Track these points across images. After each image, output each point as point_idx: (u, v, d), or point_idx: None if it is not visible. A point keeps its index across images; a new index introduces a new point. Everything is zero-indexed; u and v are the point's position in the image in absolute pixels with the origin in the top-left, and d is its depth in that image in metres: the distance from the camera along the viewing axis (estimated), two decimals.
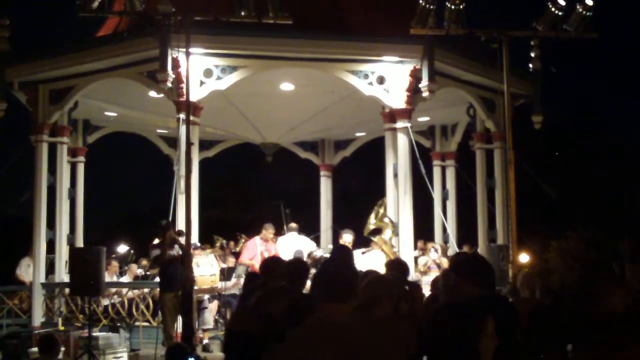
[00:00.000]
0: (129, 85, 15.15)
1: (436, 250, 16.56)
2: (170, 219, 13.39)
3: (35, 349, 11.53)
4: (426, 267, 15.54)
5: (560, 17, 12.63)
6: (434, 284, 7.81)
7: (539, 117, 15.88)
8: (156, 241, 13.15)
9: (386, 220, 14.15)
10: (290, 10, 12.12)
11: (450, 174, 19.47)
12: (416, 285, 6.88)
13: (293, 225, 15.80)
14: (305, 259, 14.57)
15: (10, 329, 15.53)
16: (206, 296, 14.21)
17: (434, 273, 14.82)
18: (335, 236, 19.56)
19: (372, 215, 14.23)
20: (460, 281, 5.31)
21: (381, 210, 14.21)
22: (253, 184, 35.10)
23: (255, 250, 14.60)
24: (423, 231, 18.44)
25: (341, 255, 8.15)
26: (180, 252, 12.31)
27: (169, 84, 13.68)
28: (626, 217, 25.27)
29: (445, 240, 17.92)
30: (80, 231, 17.79)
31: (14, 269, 17.46)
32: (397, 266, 7.87)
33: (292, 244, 15.04)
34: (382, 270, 8.47)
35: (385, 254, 13.92)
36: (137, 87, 14.99)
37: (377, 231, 14.25)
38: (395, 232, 14.49)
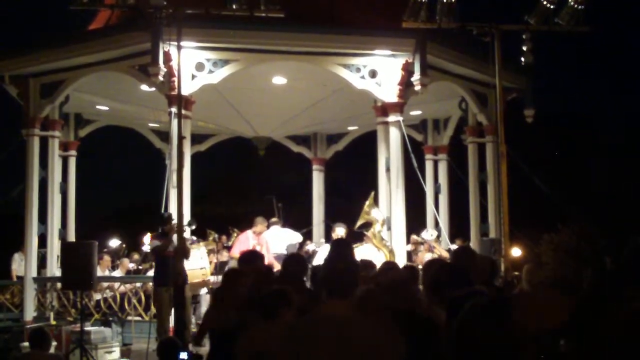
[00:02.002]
0: (121, 79, 15.10)
1: (432, 235, 16.53)
2: (162, 213, 13.36)
3: (26, 344, 11.51)
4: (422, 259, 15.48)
5: (552, 10, 12.63)
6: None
7: (531, 111, 15.89)
8: (151, 234, 13.13)
9: (374, 214, 14.15)
10: (282, 3, 12.08)
11: (443, 168, 19.50)
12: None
13: (273, 219, 15.90)
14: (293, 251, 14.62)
15: (2, 324, 15.50)
16: (203, 291, 14.22)
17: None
18: (328, 230, 19.59)
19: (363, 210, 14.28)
20: (439, 287, 5.33)
21: (366, 206, 14.22)
22: (245, 177, 35.00)
23: (248, 244, 14.58)
24: (415, 225, 18.44)
25: (342, 250, 8.16)
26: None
27: (161, 78, 13.66)
28: (619, 212, 25.32)
29: (438, 234, 17.92)
30: (72, 225, 17.77)
31: (5, 263, 17.43)
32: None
33: (275, 237, 15.08)
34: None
35: (377, 247, 13.94)
36: (128, 81, 14.96)
37: (369, 225, 14.28)
38: (387, 226, 14.51)
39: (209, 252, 16.22)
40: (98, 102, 17.66)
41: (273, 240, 14.99)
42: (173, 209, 13.01)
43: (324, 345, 4.22)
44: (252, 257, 8.13)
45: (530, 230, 21.23)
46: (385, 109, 14.98)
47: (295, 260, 7.90)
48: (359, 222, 14.23)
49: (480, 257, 7.63)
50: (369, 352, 4.25)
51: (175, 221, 12.28)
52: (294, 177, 28.08)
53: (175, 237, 12.14)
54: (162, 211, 13.23)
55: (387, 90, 14.76)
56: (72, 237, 17.55)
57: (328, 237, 18.61)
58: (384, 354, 4.30)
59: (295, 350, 4.30)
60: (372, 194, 14.51)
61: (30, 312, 15.19)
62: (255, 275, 7.36)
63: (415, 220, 17.88)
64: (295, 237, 15.78)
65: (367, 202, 14.21)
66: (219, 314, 7.15)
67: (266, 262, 13.91)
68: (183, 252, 11.90)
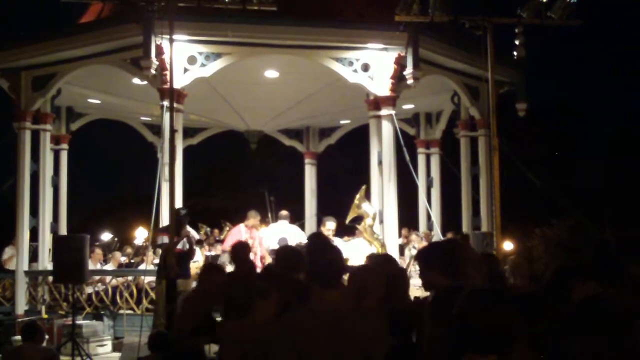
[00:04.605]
0: (113, 72, 15.07)
1: (421, 239, 16.64)
2: (154, 207, 13.32)
3: (18, 337, 11.50)
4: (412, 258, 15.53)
5: (544, 4, 12.64)
6: None
7: (523, 104, 15.93)
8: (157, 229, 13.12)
9: (364, 207, 14.13)
10: None
11: (435, 162, 19.51)
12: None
13: (284, 213, 15.74)
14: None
15: None
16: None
17: None
18: (320, 223, 19.58)
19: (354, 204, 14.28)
20: (428, 273, 5.30)
21: (356, 199, 14.21)
22: (237, 171, 34.99)
23: (240, 237, 14.54)
24: (407, 219, 18.47)
25: (319, 242, 8.16)
26: (187, 247, 12.40)
27: (153, 71, 13.60)
28: (612, 206, 25.38)
29: (430, 227, 17.95)
30: (64, 219, 17.73)
31: None
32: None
33: (280, 233, 15.01)
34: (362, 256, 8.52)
35: (368, 242, 13.95)
36: (120, 74, 14.93)
37: (361, 219, 14.29)
38: (379, 220, 14.51)
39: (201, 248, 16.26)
40: (90, 95, 17.61)
41: (278, 235, 14.95)
42: (165, 203, 12.99)
43: (319, 338, 4.23)
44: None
45: (523, 224, 21.36)
46: (377, 103, 14.97)
47: (289, 252, 7.87)
48: (350, 216, 14.22)
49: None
50: (363, 344, 4.25)
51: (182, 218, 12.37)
52: (286, 170, 28.09)
53: (184, 237, 12.20)
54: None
55: (380, 84, 14.74)
56: (63, 230, 17.52)
57: (312, 232, 18.62)
58: (377, 345, 4.30)
59: (291, 344, 4.30)
60: (363, 187, 14.51)
61: (21, 306, 15.15)
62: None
63: (408, 214, 17.91)
64: (300, 234, 15.69)
65: (358, 196, 14.20)
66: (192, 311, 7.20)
67: (259, 255, 14.01)
68: (190, 251, 12.05)
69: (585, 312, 3.48)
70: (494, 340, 3.11)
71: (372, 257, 7.53)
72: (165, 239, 12.54)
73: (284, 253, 7.68)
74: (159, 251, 13.08)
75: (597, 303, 3.53)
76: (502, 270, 10.01)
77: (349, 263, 13.30)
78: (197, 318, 7.03)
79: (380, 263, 6.31)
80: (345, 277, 5.19)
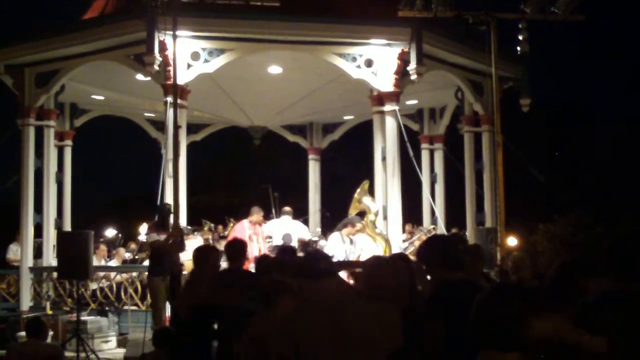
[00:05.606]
0: (116, 69, 15.05)
1: (426, 235, 16.64)
2: (158, 203, 13.34)
3: (23, 333, 11.51)
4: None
5: None
6: None
7: (526, 100, 15.89)
8: (147, 224, 13.10)
9: (365, 202, 14.12)
10: None
11: (439, 157, 19.48)
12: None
13: (287, 209, 15.78)
14: (294, 243, 14.62)
15: None
16: None
17: None
18: (324, 219, 19.61)
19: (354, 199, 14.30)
20: (432, 268, 5.29)
21: (357, 194, 14.21)
22: (241, 167, 35.00)
23: (243, 233, 14.55)
24: (411, 215, 18.46)
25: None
26: (178, 239, 12.37)
27: (156, 67, 13.60)
28: (616, 202, 25.36)
29: (434, 223, 17.94)
30: (68, 215, 17.71)
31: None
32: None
33: (284, 229, 15.03)
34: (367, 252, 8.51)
35: (371, 237, 13.95)
36: (124, 70, 14.90)
37: (364, 214, 14.30)
38: (383, 216, 14.52)
39: (205, 241, 16.24)
40: (93, 91, 17.61)
41: (280, 230, 14.96)
42: (169, 199, 12.99)
43: (320, 331, 4.22)
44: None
45: (526, 219, 21.34)
46: (381, 98, 14.96)
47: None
48: (351, 212, 14.22)
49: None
50: (365, 335, 4.24)
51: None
52: (289, 166, 28.10)
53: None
54: (160, 202, 13.18)
55: (383, 80, 14.74)
56: (68, 226, 17.50)
57: (324, 227, 18.66)
58: (380, 343, 4.29)
59: (293, 339, 4.30)
60: (364, 182, 14.50)
61: (26, 302, 15.18)
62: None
63: (412, 210, 17.90)
64: (303, 230, 15.70)
65: (358, 190, 14.21)
66: (192, 290, 7.20)
67: (261, 251, 14.00)
68: (180, 245, 11.95)
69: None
70: (515, 338, 3.10)
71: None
72: (153, 236, 12.55)
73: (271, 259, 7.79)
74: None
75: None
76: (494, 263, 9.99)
77: (355, 258, 13.39)
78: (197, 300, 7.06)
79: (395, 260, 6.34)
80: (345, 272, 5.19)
